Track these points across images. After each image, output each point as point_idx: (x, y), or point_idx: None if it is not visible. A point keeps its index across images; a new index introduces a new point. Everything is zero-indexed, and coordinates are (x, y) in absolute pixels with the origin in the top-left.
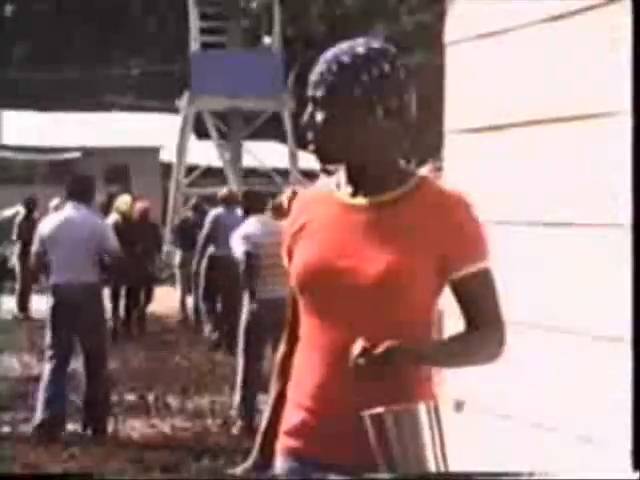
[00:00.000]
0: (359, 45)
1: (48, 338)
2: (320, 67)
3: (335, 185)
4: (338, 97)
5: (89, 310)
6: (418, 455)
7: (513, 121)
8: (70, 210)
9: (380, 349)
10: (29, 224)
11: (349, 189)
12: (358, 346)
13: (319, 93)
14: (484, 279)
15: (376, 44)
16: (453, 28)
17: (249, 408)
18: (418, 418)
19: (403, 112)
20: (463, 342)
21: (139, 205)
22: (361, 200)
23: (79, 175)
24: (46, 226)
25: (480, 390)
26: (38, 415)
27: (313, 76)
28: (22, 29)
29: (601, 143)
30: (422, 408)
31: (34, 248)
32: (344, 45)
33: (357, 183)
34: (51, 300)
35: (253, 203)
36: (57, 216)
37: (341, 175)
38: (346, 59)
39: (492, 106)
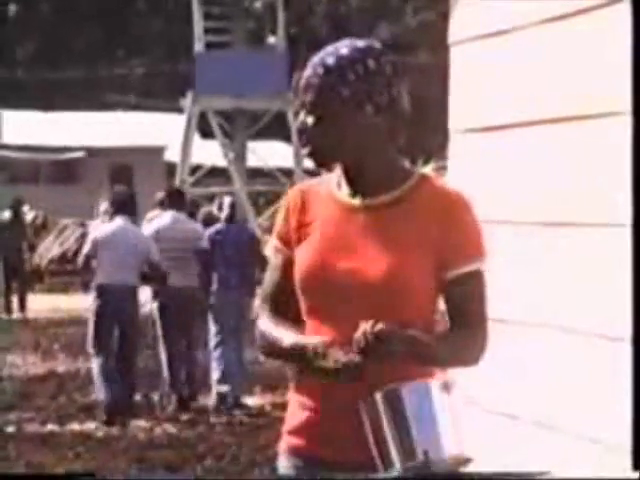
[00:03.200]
0: (343, 46)
1: (92, 335)
2: (307, 72)
3: (335, 184)
4: (326, 99)
5: (130, 308)
6: (405, 436)
7: (517, 121)
8: (121, 221)
9: (377, 328)
10: (18, 224)
11: (348, 190)
12: (361, 329)
13: (308, 97)
14: (478, 280)
15: (360, 43)
16: (457, 28)
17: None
18: (401, 399)
19: (393, 107)
20: (454, 338)
21: (203, 210)
22: (361, 201)
23: (121, 191)
24: (100, 232)
25: (483, 389)
26: (104, 402)
27: (301, 81)
28: (26, 29)
29: (604, 143)
30: (404, 389)
31: (85, 250)
32: (329, 48)
33: (356, 183)
34: (97, 298)
35: (176, 201)
36: (110, 225)
37: (340, 174)
38: (331, 61)
39: (496, 106)
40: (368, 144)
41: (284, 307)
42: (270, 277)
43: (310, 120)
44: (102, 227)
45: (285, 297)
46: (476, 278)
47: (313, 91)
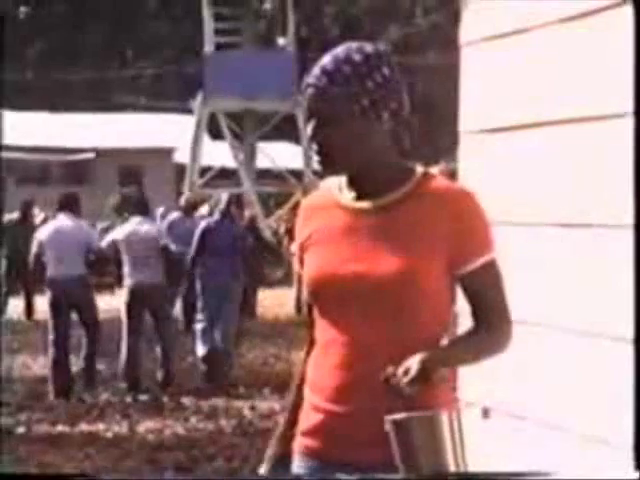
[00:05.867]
0: (354, 53)
1: (51, 323)
2: (321, 80)
3: (337, 189)
4: (346, 110)
5: (82, 295)
6: (439, 462)
7: (526, 122)
8: (63, 218)
9: (415, 367)
10: (25, 227)
11: (352, 193)
12: (390, 372)
13: (325, 107)
14: (492, 271)
15: (369, 48)
16: (467, 29)
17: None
18: (440, 425)
19: (403, 112)
20: (476, 342)
21: (246, 213)
22: (367, 204)
23: (66, 192)
24: (43, 232)
25: (486, 389)
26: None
27: (311, 89)
28: (36, 30)
29: (613, 144)
30: (444, 415)
31: (33, 250)
32: (339, 54)
33: (361, 187)
34: (49, 290)
35: (140, 207)
36: (52, 223)
37: (342, 179)
38: (348, 70)
39: (506, 107)
40: (380, 151)
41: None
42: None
43: (327, 132)
44: (45, 227)
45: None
46: (492, 268)
47: (331, 102)
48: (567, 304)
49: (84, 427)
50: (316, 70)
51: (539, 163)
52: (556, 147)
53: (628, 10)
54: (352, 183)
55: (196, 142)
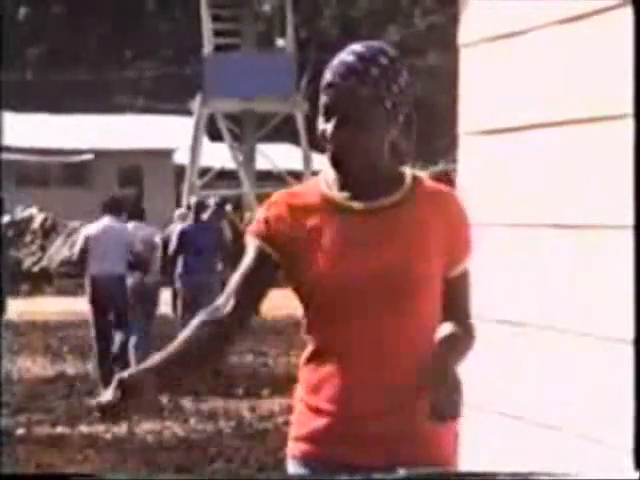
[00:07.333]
0: (379, 54)
1: (92, 318)
2: (348, 80)
3: (326, 188)
4: (370, 112)
5: (120, 294)
6: None
7: (525, 123)
8: (107, 219)
9: (461, 395)
10: None
11: (346, 193)
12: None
13: (350, 108)
14: (468, 275)
15: (391, 50)
16: (466, 30)
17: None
18: None
19: (413, 115)
20: (464, 337)
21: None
22: (363, 205)
23: (115, 194)
24: (90, 229)
25: (486, 391)
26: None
27: (338, 88)
28: (36, 32)
29: (611, 144)
30: None
31: (79, 245)
32: (365, 53)
33: (356, 187)
34: (90, 287)
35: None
36: (99, 223)
37: (331, 177)
38: (376, 72)
39: (506, 108)
40: (386, 152)
41: (250, 303)
42: (244, 274)
43: (348, 132)
44: (92, 225)
45: (255, 294)
46: (468, 274)
47: (358, 103)
48: (567, 304)
49: (84, 428)
50: (341, 68)
51: (538, 164)
52: (555, 148)
53: (628, 10)
54: (346, 183)
55: (195, 143)
